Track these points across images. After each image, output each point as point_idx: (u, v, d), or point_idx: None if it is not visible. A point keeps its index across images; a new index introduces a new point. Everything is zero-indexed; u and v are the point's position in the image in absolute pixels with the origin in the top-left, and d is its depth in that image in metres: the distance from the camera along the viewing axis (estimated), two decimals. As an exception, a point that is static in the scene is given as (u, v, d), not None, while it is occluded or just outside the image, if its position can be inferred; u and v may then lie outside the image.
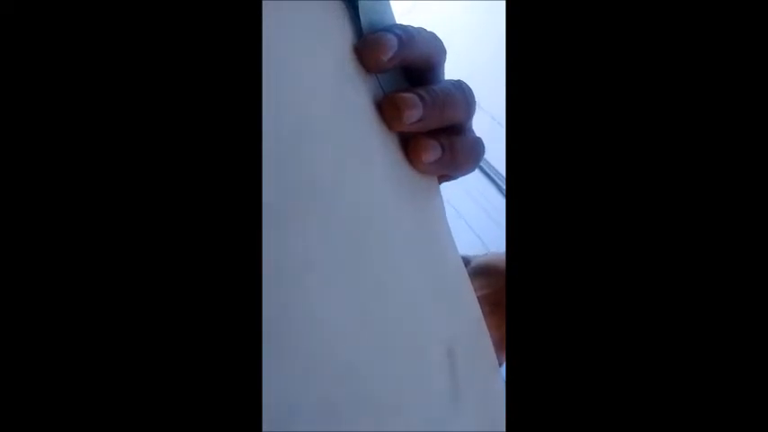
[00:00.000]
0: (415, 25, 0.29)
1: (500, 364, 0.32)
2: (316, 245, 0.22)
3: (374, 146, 0.26)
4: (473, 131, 0.31)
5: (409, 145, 0.28)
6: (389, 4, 0.30)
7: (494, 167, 1.55)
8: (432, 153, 0.28)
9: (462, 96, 0.30)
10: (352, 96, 0.26)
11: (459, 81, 0.30)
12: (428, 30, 0.30)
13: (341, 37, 0.26)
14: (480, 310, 0.30)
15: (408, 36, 0.28)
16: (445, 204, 0.32)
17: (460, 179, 0.33)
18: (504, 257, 0.65)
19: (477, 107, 0.32)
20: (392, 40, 0.27)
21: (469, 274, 0.31)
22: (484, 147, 0.31)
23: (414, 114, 0.27)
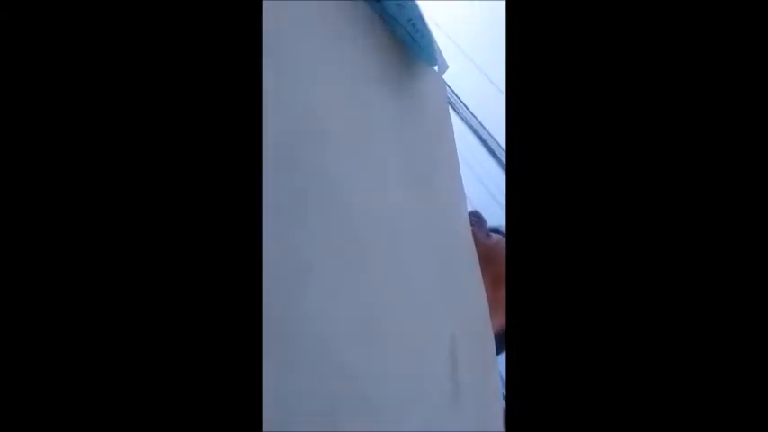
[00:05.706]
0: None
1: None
2: (317, 245, 0.22)
3: (389, 147, 0.26)
4: None
5: None
6: (417, 4, 0.30)
7: (496, 140, 1.53)
8: None
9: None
10: (369, 98, 0.26)
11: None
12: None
13: (361, 38, 0.26)
14: (487, 307, 0.30)
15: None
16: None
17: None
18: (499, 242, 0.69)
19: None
20: None
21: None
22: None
23: None
